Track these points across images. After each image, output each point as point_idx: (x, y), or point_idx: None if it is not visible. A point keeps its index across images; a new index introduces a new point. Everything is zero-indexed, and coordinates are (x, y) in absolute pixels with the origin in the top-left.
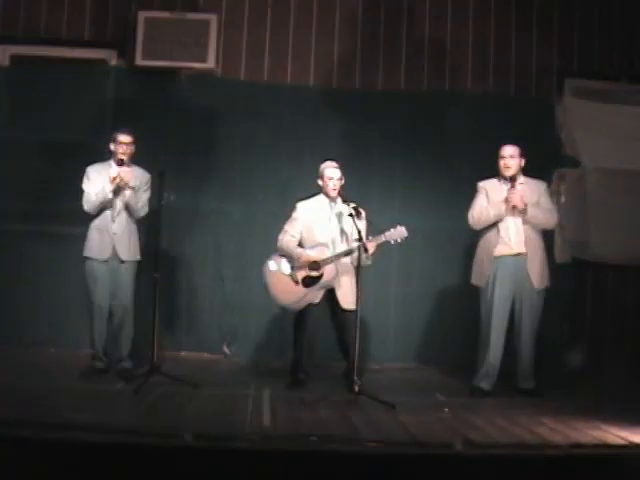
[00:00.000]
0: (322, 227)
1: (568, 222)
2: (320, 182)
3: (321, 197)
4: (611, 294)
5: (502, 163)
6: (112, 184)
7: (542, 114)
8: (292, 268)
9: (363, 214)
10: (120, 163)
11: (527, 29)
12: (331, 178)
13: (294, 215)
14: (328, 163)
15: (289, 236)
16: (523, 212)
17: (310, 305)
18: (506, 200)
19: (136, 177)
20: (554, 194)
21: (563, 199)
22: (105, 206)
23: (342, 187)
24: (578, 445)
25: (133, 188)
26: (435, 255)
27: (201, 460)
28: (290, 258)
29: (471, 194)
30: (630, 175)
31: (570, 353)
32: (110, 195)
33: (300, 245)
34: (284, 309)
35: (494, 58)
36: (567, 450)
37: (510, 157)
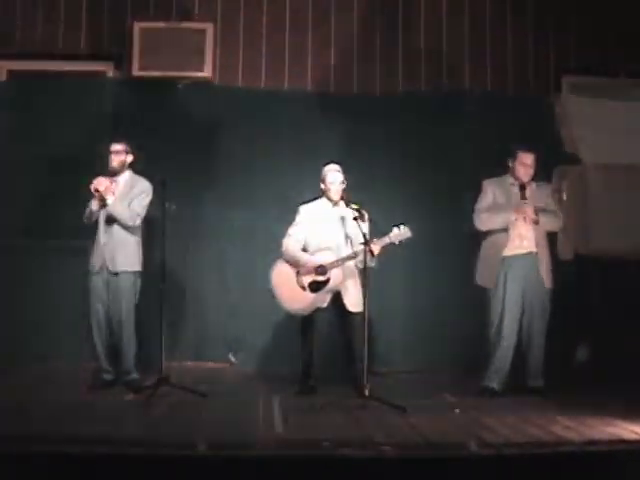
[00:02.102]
0: (326, 231)
1: (570, 219)
2: (322, 186)
3: (323, 200)
4: (615, 289)
5: (522, 170)
6: (95, 196)
7: (541, 112)
8: (298, 273)
9: (366, 216)
10: (113, 171)
11: (523, 27)
12: (333, 182)
13: (297, 219)
14: (330, 167)
15: (294, 240)
16: (535, 223)
17: (318, 310)
18: (518, 211)
19: (134, 185)
20: (555, 192)
21: (564, 196)
22: (96, 218)
23: (344, 190)
24: (593, 442)
25: (105, 193)
26: (439, 256)
27: (216, 469)
28: (295, 264)
29: (472, 194)
30: (631, 170)
31: (577, 350)
32: (94, 207)
33: (304, 249)
34: (292, 315)
35: (491, 58)
36: (583, 447)
37: (530, 165)
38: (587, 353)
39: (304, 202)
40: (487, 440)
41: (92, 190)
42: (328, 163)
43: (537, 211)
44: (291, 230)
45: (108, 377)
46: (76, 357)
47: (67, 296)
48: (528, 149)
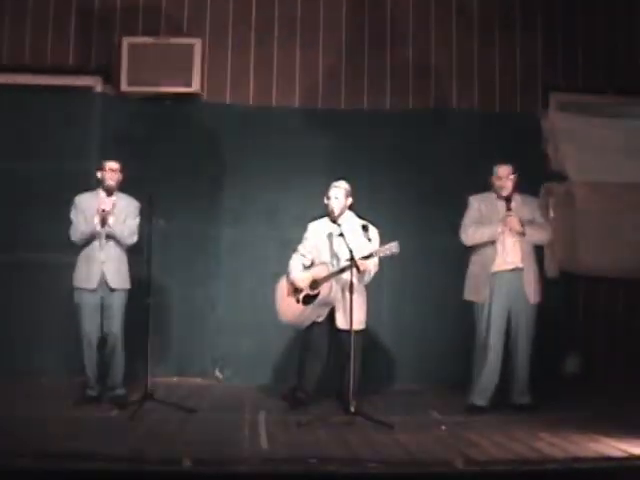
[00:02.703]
0: (325, 246)
1: (557, 236)
2: (325, 201)
3: (327, 217)
4: (602, 307)
5: (498, 184)
6: (99, 215)
7: (528, 129)
8: (295, 288)
9: (372, 231)
10: (109, 190)
11: (510, 45)
12: (329, 198)
13: (305, 235)
14: (334, 183)
15: (299, 255)
16: (521, 234)
17: (315, 324)
18: (504, 223)
19: (123, 204)
20: (542, 208)
21: (551, 213)
22: (93, 237)
23: (351, 205)
24: (578, 459)
25: (108, 213)
26: (426, 272)
27: None
28: (293, 282)
29: (459, 210)
30: (617, 187)
31: (564, 367)
32: (98, 227)
33: (312, 263)
34: (290, 328)
35: (478, 74)
36: (568, 464)
37: (506, 177)
38: (575, 365)
39: (291, 220)
40: (473, 457)
41: (98, 211)
42: (337, 179)
43: (523, 223)
44: (300, 246)
45: (93, 393)
46: (61, 373)
47: (52, 311)
48: (503, 162)
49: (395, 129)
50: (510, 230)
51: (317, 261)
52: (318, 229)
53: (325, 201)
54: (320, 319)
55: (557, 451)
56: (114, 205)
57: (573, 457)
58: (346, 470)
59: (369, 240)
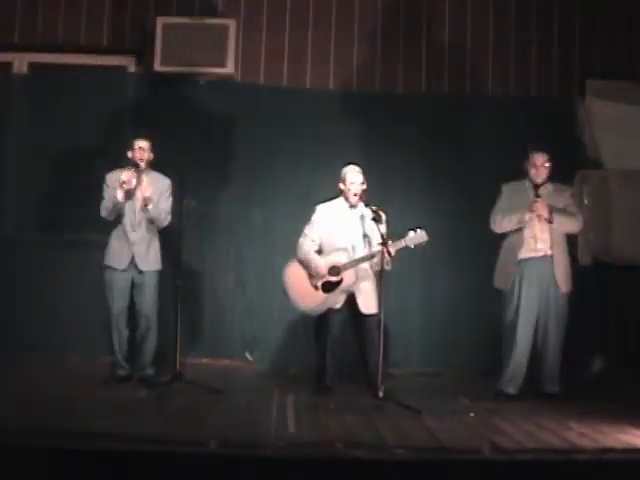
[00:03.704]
0: (342, 232)
1: (591, 224)
2: (342, 186)
3: (341, 200)
4: (636, 296)
5: (533, 171)
6: (121, 188)
7: (564, 115)
8: (310, 274)
9: (384, 217)
10: (136, 167)
11: (548, 29)
12: (353, 183)
13: (314, 218)
14: (351, 167)
15: (309, 241)
16: (549, 221)
17: (331, 310)
18: (531, 208)
19: (155, 184)
20: (576, 196)
21: (586, 201)
22: (120, 212)
23: (364, 192)
24: (608, 449)
25: (152, 200)
26: (457, 258)
27: (227, 468)
28: (307, 266)
29: (492, 196)
30: None
31: (595, 357)
32: (120, 199)
33: (320, 249)
34: (305, 314)
35: (514, 60)
36: (597, 455)
37: (542, 166)
38: (602, 363)
39: (322, 202)
40: (501, 445)
41: (119, 184)
42: (348, 164)
43: (551, 210)
44: (307, 230)
45: (123, 373)
46: (92, 352)
47: (83, 291)
48: (540, 150)
49: (429, 113)
50: (538, 216)
51: (327, 246)
52: (330, 213)
53: (342, 186)
54: (338, 306)
55: (586, 441)
56: (146, 185)
57: (603, 448)
58: (372, 455)
59: (387, 223)
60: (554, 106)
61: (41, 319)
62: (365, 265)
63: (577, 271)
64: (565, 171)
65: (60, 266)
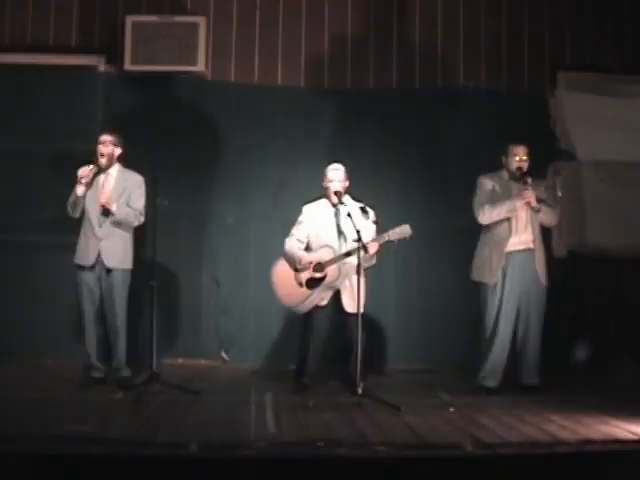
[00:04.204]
0: (326, 229)
1: (564, 216)
2: (324, 184)
3: (325, 199)
4: (610, 288)
5: (516, 163)
6: (80, 183)
7: (535, 108)
8: (297, 271)
9: (371, 214)
10: (99, 163)
11: (518, 22)
12: (332, 181)
13: (300, 218)
14: (332, 165)
15: (295, 240)
16: (536, 211)
17: (317, 308)
18: (520, 196)
19: (126, 181)
20: (550, 188)
21: (559, 193)
22: (84, 208)
23: (347, 188)
24: (589, 441)
25: (108, 203)
26: (433, 253)
27: (208, 470)
28: (292, 262)
29: (465, 190)
30: (626, 167)
31: (573, 349)
32: (80, 194)
33: (307, 248)
34: (290, 311)
35: (486, 53)
36: (579, 447)
37: (524, 157)
38: (585, 354)
39: (297, 200)
40: (482, 440)
41: (78, 179)
42: (333, 162)
43: (539, 199)
44: (294, 230)
45: (98, 374)
46: (65, 354)
47: (56, 293)
48: (519, 141)
49: (402, 108)
50: (527, 204)
51: (315, 245)
52: (316, 212)
53: (324, 184)
54: (324, 302)
55: (568, 434)
56: (107, 190)
57: (584, 440)
58: (355, 453)
59: (374, 223)
60: (526, 98)
61: (14, 322)
62: (353, 262)
63: (552, 263)
64: (538, 163)
65: (31, 269)
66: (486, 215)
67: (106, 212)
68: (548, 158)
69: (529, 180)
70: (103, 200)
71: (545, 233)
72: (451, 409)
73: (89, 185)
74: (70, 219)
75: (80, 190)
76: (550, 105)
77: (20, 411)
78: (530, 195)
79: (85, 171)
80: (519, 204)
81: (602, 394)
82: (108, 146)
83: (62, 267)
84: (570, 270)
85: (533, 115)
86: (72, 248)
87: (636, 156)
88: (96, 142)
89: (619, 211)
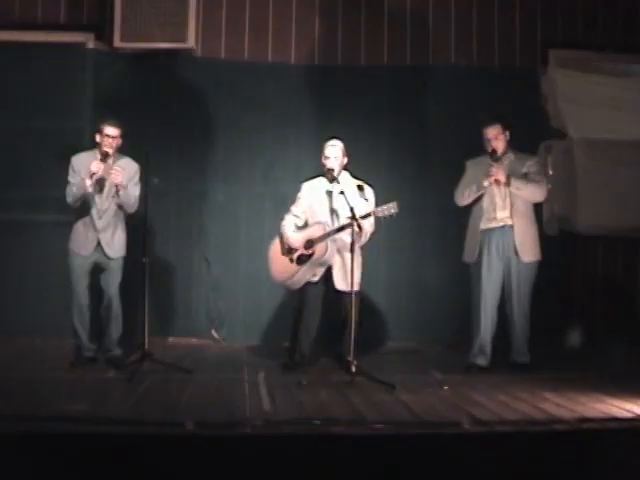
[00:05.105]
0: (321, 206)
1: (555, 194)
2: (322, 160)
3: (323, 176)
4: (601, 265)
5: (487, 145)
6: (91, 179)
7: (527, 85)
8: (290, 248)
9: (368, 191)
10: (105, 156)
11: (510, 1)
12: (328, 157)
13: (298, 195)
14: (329, 142)
15: (292, 216)
16: (506, 185)
17: (309, 284)
18: (487, 173)
19: (125, 170)
20: (538, 163)
21: (550, 171)
22: (87, 201)
23: (346, 165)
24: (586, 419)
25: (125, 187)
26: (424, 231)
27: (204, 448)
28: (284, 241)
29: (457, 169)
30: (617, 145)
31: (564, 327)
32: (90, 189)
33: (306, 224)
34: (283, 287)
35: (477, 30)
36: (576, 425)
37: (495, 138)
38: (575, 333)
39: (288, 178)
40: (479, 417)
41: (89, 174)
42: (331, 138)
43: (508, 175)
44: (292, 206)
45: (89, 354)
46: (59, 333)
47: (51, 272)
48: (490, 123)
49: (393, 85)
50: (495, 181)
51: (312, 221)
52: (313, 189)
53: (322, 160)
54: (315, 279)
55: (564, 412)
56: (116, 172)
57: (581, 417)
58: (352, 431)
59: (366, 200)
60: (517, 76)
61: (5, 301)
62: (346, 239)
63: (543, 241)
64: (530, 141)
65: (21, 247)
66: (460, 198)
67: (101, 188)
68: (540, 136)
69: (498, 157)
70: (117, 181)
71: (537, 211)
72: (445, 387)
73: (99, 182)
74: (57, 200)
75: (90, 185)
76: (542, 83)
77: (12, 391)
78: (496, 172)
79: (98, 167)
80: (487, 182)
81: (594, 372)
82: (116, 139)
83: (52, 246)
84: (561, 248)
85: (525, 93)
86: (55, 228)
87: (627, 134)
88: (87, 120)
89: (610, 189)
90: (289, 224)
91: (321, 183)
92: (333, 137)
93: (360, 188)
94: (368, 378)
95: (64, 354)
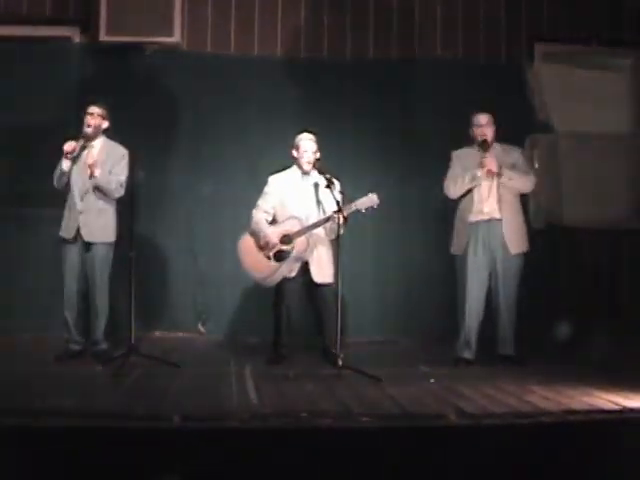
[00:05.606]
0: (295, 200)
1: (541, 187)
2: (295, 153)
3: (294, 169)
4: (587, 258)
5: (478, 131)
6: (66, 158)
7: (513, 80)
8: (260, 248)
9: (337, 185)
10: (86, 135)
11: None
12: (306, 151)
13: (266, 189)
14: (304, 135)
15: (262, 212)
16: (498, 175)
17: (286, 280)
18: (480, 164)
19: (110, 152)
20: (527, 160)
21: (536, 165)
22: (68, 181)
23: (318, 160)
24: (572, 411)
25: (94, 165)
26: (410, 224)
27: (191, 441)
28: (258, 236)
29: (442, 161)
30: (602, 139)
31: (550, 319)
32: (66, 168)
33: (274, 219)
34: (259, 284)
35: (462, 25)
36: (562, 417)
37: (487, 125)
38: (562, 327)
39: (276, 171)
40: (466, 410)
41: (64, 154)
42: (302, 131)
43: (500, 165)
44: (260, 201)
45: (76, 347)
46: (44, 327)
47: (35, 266)
48: (481, 110)
49: (378, 79)
50: (488, 172)
51: (280, 217)
52: (282, 183)
53: (295, 153)
54: (292, 274)
55: (550, 404)
56: (94, 153)
57: (567, 410)
58: (339, 424)
59: (341, 193)
60: (503, 70)
61: None
62: (320, 233)
63: (530, 234)
64: (516, 135)
65: (8, 242)
66: (451, 189)
67: (92, 176)
68: (526, 130)
69: (489, 146)
70: (90, 161)
71: (524, 203)
72: (431, 380)
73: (75, 160)
74: (45, 190)
75: (66, 165)
76: (527, 77)
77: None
78: (489, 162)
79: (71, 146)
80: (480, 173)
81: (580, 364)
82: (96, 118)
83: (37, 239)
84: (548, 241)
85: (510, 87)
86: (52, 222)
87: (611, 128)
88: (73, 114)
89: (595, 182)
90: (262, 220)
91: (290, 177)
92: (305, 130)
93: (330, 181)
94: (354, 371)
95: (50, 349)
